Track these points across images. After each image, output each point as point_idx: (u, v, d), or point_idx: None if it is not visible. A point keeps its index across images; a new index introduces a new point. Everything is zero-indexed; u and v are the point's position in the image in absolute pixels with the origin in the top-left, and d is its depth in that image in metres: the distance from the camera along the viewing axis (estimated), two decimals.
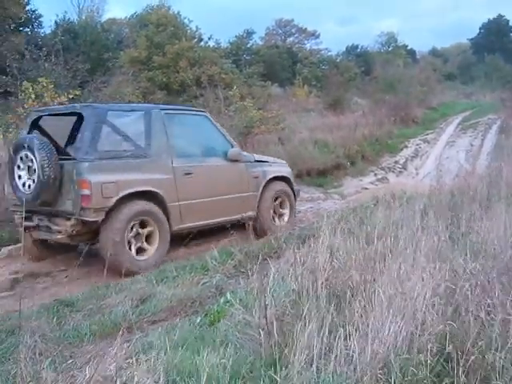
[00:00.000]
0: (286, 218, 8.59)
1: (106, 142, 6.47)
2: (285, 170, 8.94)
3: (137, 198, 6.53)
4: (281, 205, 8.58)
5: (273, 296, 4.18)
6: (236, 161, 7.89)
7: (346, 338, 3.37)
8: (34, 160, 6.16)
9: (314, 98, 27.12)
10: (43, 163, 6.09)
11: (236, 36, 38.24)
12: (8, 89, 12.66)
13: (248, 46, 38.30)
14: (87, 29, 23.43)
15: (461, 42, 63.00)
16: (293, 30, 48.80)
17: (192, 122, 7.78)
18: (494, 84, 32.76)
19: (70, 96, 8.83)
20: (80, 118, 6.62)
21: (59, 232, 6.38)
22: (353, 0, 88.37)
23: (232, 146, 7.94)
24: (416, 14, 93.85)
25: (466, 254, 4.65)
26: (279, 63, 34.87)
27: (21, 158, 6.39)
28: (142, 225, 6.60)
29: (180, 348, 3.79)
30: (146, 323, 4.65)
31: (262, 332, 3.65)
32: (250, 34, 41.64)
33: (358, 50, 48.86)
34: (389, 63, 34.95)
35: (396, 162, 17.20)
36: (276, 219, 8.44)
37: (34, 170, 6.20)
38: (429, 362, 3.01)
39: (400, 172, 16.49)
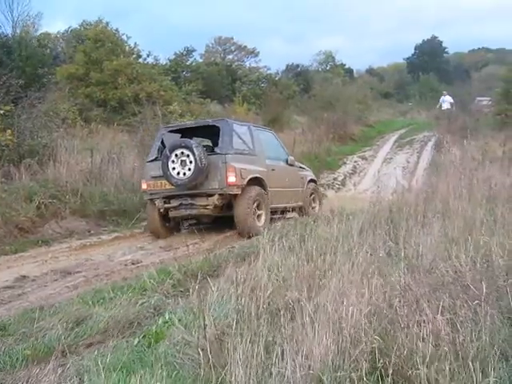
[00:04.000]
0: (316, 208, 11.66)
1: (236, 143, 9.47)
2: (312, 174, 12.43)
3: (253, 182, 9.37)
4: (313, 199, 11.69)
5: (212, 316, 4.11)
6: (292, 165, 11.01)
7: (282, 357, 3.36)
8: (191, 154, 8.82)
9: (253, 115, 27.22)
10: (201, 155, 8.78)
11: (175, 53, 38.08)
12: None
13: (188, 63, 38.15)
14: (22, 43, 22.80)
15: (397, 62, 64.73)
16: (232, 48, 48.91)
17: (267, 136, 10.89)
18: (428, 102, 33.60)
19: (1, 111, 8.56)
20: (215, 128, 9.45)
21: (205, 206, 9.13)
22: (302, 18, 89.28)
23: (288, 155, 11.12)
24: (361, 33, 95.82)
25: (402, 270, 4.72)
26: (218, 80, 34.83)
27: (176, 155, 8.96)
28: (254, 202, 9.28)
29: (116, 371, 3.69)
30: (81, 346, 4.48)
31: (201, 352, 3.58)
32: (190, 51, 41.46)
33: (298, 68, 49.33)
34: (327, 81, 35.52)
35: (335, 179, 17.45)
36: (311, 208, 11.35)
37: (190, 162, 8.84)
38: (362, 378, 3.02)
39: (339, 188, 16.72)
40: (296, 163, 11.36)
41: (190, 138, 9.48)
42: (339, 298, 3.94)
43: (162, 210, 9.43)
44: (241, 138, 9.69)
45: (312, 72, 46.20)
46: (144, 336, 4.52)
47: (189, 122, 10.78)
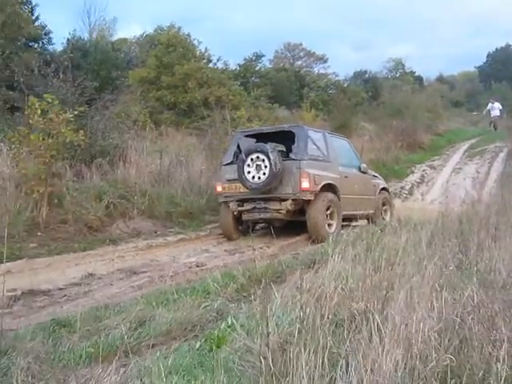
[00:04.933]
0: (387, 217, 11.52)
1: (311, 149, 9.55)
2: (384, 182, 12.51)
3: (327, 189, 9.38)
4: (384, 207, 11.66)
5: (276, 323, 4.03)
6: (365, 173, 11.06)
7: (346, 370, 3.24)
8: (266, 159, 8.99)
9: (321, 122, 27.01)
10: (276, 161, 8.94)
11: (245, 58, 38.28)
12: (15, 104, 12.68)
13: (257, 68, 38.28)
14: (98, 47, 23.45)
15: (468, 70, 63.14)
16: (301, 54, 48.73)
17: (341, 143, 10.95)
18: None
19: (75, 112, 8.79)
20: (291, 133, 9.59)
21: (279, 210, 9.28)
22: (371, 25, 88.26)
23: (361, 162, 11.19)
24: (431, 41, 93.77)
25: (474, 285, 4.52)
26: (287, 86, 34.75)
27: (251, 159, 9.15)
28: (327, 208, 9.34)
29: (177, 374, 3.66)
30: (143, 347, 4.48)
31: (263, 360, 3.51)
32: (259, 56, 41.59)
33: (366, 75, 48.73)
34: (396, 89, 34.93)
35: (402, 188, 17.10)
36: (381, 217, 11.23)
37: (265, 167, 9.01)
38: None
39: (406, 197, 16.37)
40: (369, 171, 11.44)
41: (265, 143, 9.70)
42: (408, 312, 3.79)
43: (235, 213, 9.65)
44: (315, 145, 9.82)
45: (381, 79, 45.52)
46: (206, 340, 4.49)
47: (265, 127, 11.01)
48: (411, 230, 7.70)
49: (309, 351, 3.38)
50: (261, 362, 3.49)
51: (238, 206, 9.62)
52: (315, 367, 3.27)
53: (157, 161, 11.68)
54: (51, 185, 8.27)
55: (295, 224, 9.59)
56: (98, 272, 7.11)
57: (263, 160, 9.06)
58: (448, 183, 17.74)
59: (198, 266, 7.43)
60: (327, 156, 9.97)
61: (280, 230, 9.84)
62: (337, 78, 41.69)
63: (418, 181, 18.28)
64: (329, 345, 3.44)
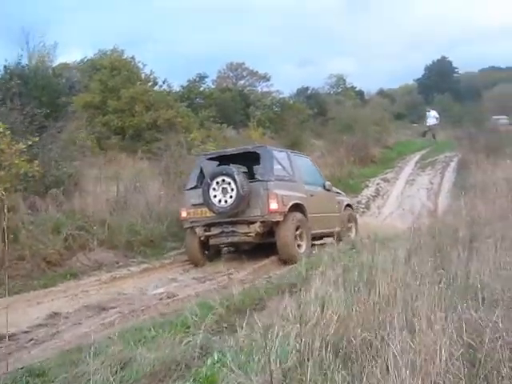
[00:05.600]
0: (353, 232, 11.58)
1: (277, 170, 9.40)
2: (348, 199, 12.68)
3: (295, 208, 9.24)
4: (349, 222, 11.57)
5: (272, 358, 3.74)
6: (329, 190, 11.03)
7: None
8: (232, 182, 8.82)
9: (269, 140, 26.95)
10: (242, 183, 8.78)
11: (188, 80, 38.00)
12: None
13: (200, 89, 38.05)
14: (38, 73, 22.75)
15: (407, 83, 64.65)
16: (244, 73, 48.80)
17: (304, 162, 10.95)
18: (443, 123, 33.28)
19: (29, 142, 8.35)
20: (254, 154, 9.50)
21: (247, 233, 9.05)
22: (312, 42, 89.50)
23: (324, 180, 11.20)
24: (372, 55, 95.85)
25: (467, 301, 4.38)
26: (232, 106, 34.58)
27: (217, 183, 8.96)
28: (297, 228, 9.16)
29: None
30: None
31: None
32: (202, 77, 41.38)
33: (309, 91, 49.16)
34: (340, 104, 35.30)
35: (359, 202, 17.08)
36: (347, 234, 11.08)
37: (231, 190, 8.82)
38: None
39: (363, 212, 16.37)
40: (333, 188, 11.43)
41: (228, 165, 9.59)
42: (415, 337, 3.58)
43: (202, 238, 9.41)
44: (281, 165, 9.72)
45: (323, 95, 45.99)
46: (195, 380, 4.18)
47: (228, 150, 10.69)
48: (384, 247, 7.59)
49: None
50: None
51: (205, 230, 9.38)
52: None
53: (111, 188, 11.25)
54: (6, 219, 7.76)
55: (263, 246, 9.36)
56: (63, 310, 6.69)
57: (229, 183, 8.89)
58: (403, 195, 17.91)
59: (168, 297, 7.08)
60: (293, 175, 9.90)
61: (248, 252, 9.60)
62: (281, 96, 41.95)
63: (374, 194, 18.33)
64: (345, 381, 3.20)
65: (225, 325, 5.53)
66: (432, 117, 29.62)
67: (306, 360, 3.70)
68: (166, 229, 10.64)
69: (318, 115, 34.96)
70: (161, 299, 7.05)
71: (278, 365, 3.63)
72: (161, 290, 7.62)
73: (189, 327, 5.42)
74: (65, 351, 5.08)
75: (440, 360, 3.18)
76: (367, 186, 19.36)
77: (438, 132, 30.12)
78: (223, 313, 5.74)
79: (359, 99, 47.15)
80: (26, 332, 5.93)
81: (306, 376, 3.43)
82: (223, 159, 10.05)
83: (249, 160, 10.40)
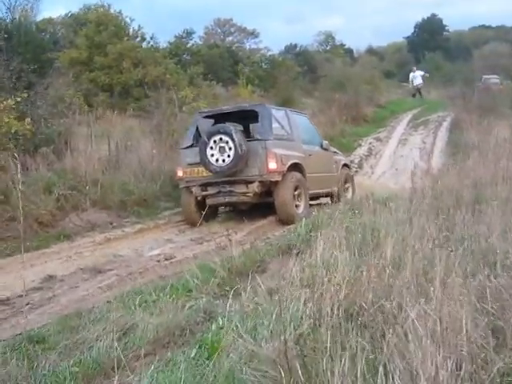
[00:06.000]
0: (350, 192, 11.42)
1: (275, 129, 9.19)
2: (345, 158, 12.49)
3: (293, 168, 9.07)
4: (346, 182, 11.38)
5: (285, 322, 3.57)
6: (326, 150, 10.81)
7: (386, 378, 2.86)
8: (230, 141, 8.59)
9: (258, 98, 26.57)
10: (240, 142, 8.57)
11: (175, 36, 37.29)
12: None
13: (188, 45, 37.34)
14: (21, 28, 22.08)
15: (396, 41, 63.82)
16: (232, 30, 48.03)
17: (302, 120, 10.69)
18: (435, 82, 33.01)
19: (18, 99, 8.03)
20: (252, 112, 9.29)
21: (245, 193, 8.91)
22: None
23: (322, 139, 10.93)
24: (361, 12, 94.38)
25: (481, 266, 4.25)
26: (219, 63, 34.01)
27: (214, 141, 8.72)
28: (295, 188, 9.03)
29: None
30: (132, 360, 3.99)
31: (282, 372, 3.08)
32: (189, 33, 40.68)
33: (297, 49, 48.49)
34: (329, 62, 34.84)
35: (351, 162, 16.84)
36: (345, 193, 11.02)
37: (229, 149, 8.61)
38: None
39: (356, 171, 16.20)
40: (330, 148, 11.17)
41: (223, 123, 9.27)
42: (433, 302, 3.44)
43: (199, 198, 9.22)
44: (279, 123, 9.50)
45: (312, 52, 45.38)
46: (200, 346, 4.04)
47: (224, 107, 10.35)
48: (383, 207, 7.45)
49: (340, 357, 2.97)
50: (280, 374, 3.08)
51: (202, 190, 9.20)
52: (355, 377, 2.87)
53: (104, 146, 10.96)
54: None
55: (260, 206, 9.19)
56: (58, 273, 6.51)
57: (227, 142, 8.67)
58: (395, 155, 17.76)
59: (166, 259, 6.93)
60: (291, 134, 9.69)
61: (245, 212, 9.43)
62: (270, 53, 41.34)
63: (366, 154, 18.18)
64: (364, 349, 3.05)
65: (227, 288, 5.38)
66: (418, 76, 29.50)
67: (319, 326, 3.56)
68: (160, 188, 10.42)
69: (307, 73, 34.53)
70: (158, 261, 6.89)
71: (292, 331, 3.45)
72: (157, 252, 7.46)
73: (190, 291, 5.29)
74: (63, 316, 4.91)
75: (465, 330, 3.03)
76: (360, 145, 19.19)
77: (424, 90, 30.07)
78: (225, 276, 5.59)
79: (348, 57, 46.61)
80: (21, 296, 5.73)
81: (321, 343, 3.28)
82: (219, 117, 9.78)
83: (246, 118, 10.20)
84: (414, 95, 30.10)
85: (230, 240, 6.98)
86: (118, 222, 9.16)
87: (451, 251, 4.71)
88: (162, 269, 6.52)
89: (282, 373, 3.05)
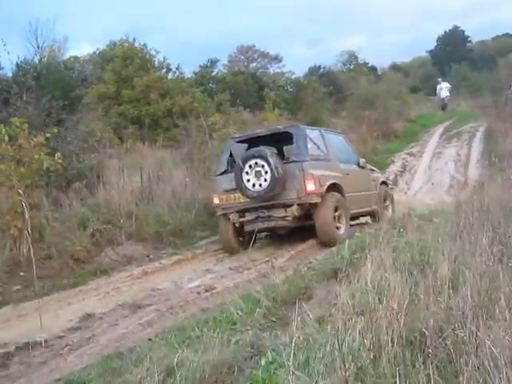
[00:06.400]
0: (390, 210, 11.09)
1: (311, 149, 9.00)
2: (382, 176, 12.42)
3: (332, 189, 8.82)
4: (385, 200, 11.06)
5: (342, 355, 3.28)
6: (364, 168, 10.56)
7: None
8: (266, 164, 8.41)
9: (286, 121, 26.44)
10: (276, 165, 8.37)
11: (200, 65, 37.55)
12: None
13: (213, 74, 37.60)
14: (50, 68, 22.42)
15: (420, 56, 63.42)
16: (255, 56, 48.22)
17: (338, 140, 10.47)
18: (463, 93, 32.50)
19: (48, 135, 7.95)
20: (286, 134, 9.13)
21: (284, 217, 8.63)
22: (321, 20, 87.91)
23: (359, 157, 10.64)
24: (381, 30, 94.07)
25: None
26: (245, 89, 34.14)
27: (249, 166, 8.55)
28: (335, 209, 8.74)
29: None
30: None
31: None
32: (213, 62, 41.02)
33: (321, 70, 48.49)
34: (354, 80, 34.62)
35: (386, 179, 16.55)
36: (384, 211, 10.69)
37: (265, 172, 8.42)
38: None
39: (391, 188, 15.84)
40: (367, 165, 10.94)
41: (258, 147, 9.04)
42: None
43: (237, 225, 9.02)
44: (315, 144, 9.30)
45: (336, 72, 45.30)
46: None
47: (258, 131, 10.15)
48: (428, 223, 7.14)
49: None
50: None
51: (240, 217, 8.97)
52: None
53: (136, 178, 10.84)
54: (30, 217, 7.35)
55: (299, 230, 8.94)
56: (96, 310, 6.31)
57: (263, 166, 8.48)
58: (430, 169, 17.38)
59: (207, 291, 6.68)
60: (327, 154, 9.45)
61: (283, 237, 9.19)
62: (294, 76, 41.36)
63: (401, 170, 17.83)
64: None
65: (273, 318, 5.11)
66: (445, 88, 29.04)
67: (378, 357, 3.27)
68: (194, 217, 10.23)
69: (333, 93, 34.34)
70: (198, 293, 6.65)
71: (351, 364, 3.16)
72: (197, 283, 7.22)
73: (235, 323, 5.01)
74: (104, 357, 4.68)
75: None
76: (393, 162, 18.85)
77: (451, 103, 29.62)
78: (270, 305, 5.31)
79: (372, 75, 46.37)
80: (60, 337, 5.55)
81: (383, 377, 2.99)
82: (253, 141, 9.58)
83: (280, 141, 10.01)
84: (443, 108, 29.61)
85: (273, 267, 6.75)
86: (155, 254, 8.98)
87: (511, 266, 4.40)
88: (202, 301, 6.28)
89: None
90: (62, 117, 10.55)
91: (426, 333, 3.53)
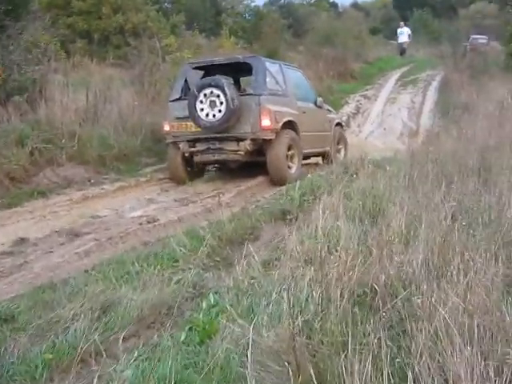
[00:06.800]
0: (342, 152, 10.91)
1: (270, 83, 8.68)
2: (338, 117, 12.34)
3: (287, 126, 8.55)
4: (338, 142, 10.84)
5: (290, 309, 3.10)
6: (320, 107, 10.23)
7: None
8: (222, 95, 8.05)
9: (242, 50, 25.78)
10: (232, 96, 8.03)
11: None
12: None
13: None
14: None
15: None
16: None
17: (297, 75, 10.11)
18: (422, 40, 32.31)
19: None
20: (245, 65, 8.78)
21: (236, 151, 8.36)
22: None
23: (316, 96, 10.34)
24: None
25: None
26: (202, 13, 33.09)
27: (204, 95, 8.16)
28: (289, 148, 8.55)
29: None
30: (113, 343, 3.50)
31: (290, 368, 2.64)
32: None
33: (282, 1, 47.36)
34: (314, 15, 33.99)
35: (341, 120, 16.42)
36: (337, 153, 10.46)
37: (220, 103, 8.06)
38: None
39: (344, 130, 15.74)
40: (324, 105, 10.59)
41: (214, 76, 8.63)
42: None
43: (186, 154, 8.69)
44: (274, 78, 8.94)
45: (296, 5, 44.44)
46: (190, 328, 3.58)
47: (216, 59, 9.63)
48: (380, 171, 7.01)
49: (359, 355, 2.53)
50: (287, 369, 2.64)
51: (190, 146, 8.63)
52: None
53: (81, 97, 10.23)
54: None
55: (249, 165, 8.71)
56: (30, 235, 5.98)
57: (218, 95, 8.11)
58: (384, 114, 17.29)
59: (149, 222, 6.40)
60: (285, 90, 9.13)
61: (232, 172, 8.97)
62: (253, 4, 40.30)
63: (354, 112, 17.66)
64: (389, 352, 2.60)
65: (217, 258, 4.95)
66: (406, 33, 28.70)
67: (327, 312, 3.11)
68: (141, 143, 9.81)
69: (292, 26, 33.64)
70: (140, 224, 6.37)
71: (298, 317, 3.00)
72: (139, 213, 6.93)
73: (177, 261, 4.81)
74: (36, 287, 4.41)
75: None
76: (347, 103, 18.65)
77: (410, 48, 29.41)
78: (214, 244, 5.12)
79: (333, 11, 45.67)
80: None
81: (331, 334, 2.84)
82: (210, 69, 9.17)
83: (237, 71, 9.64)
84: (401, 53, 29.35)
85: (220, 203, 6.53)
86: (97, 178, 8.58)
87: (464, 225, 4.30)
88: (144, 233, 6.02)
89: (290, 371, 2.61)
90: (4, 23, 9.72)
91: (378, 289, 3.42)
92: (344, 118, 16.42)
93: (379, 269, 3.64)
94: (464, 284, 3.11)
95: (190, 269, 4.58)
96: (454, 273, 3.41)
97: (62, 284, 4.39)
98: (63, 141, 8.43)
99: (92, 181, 8.41)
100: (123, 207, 7.26)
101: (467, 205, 5.03)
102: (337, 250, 3.91)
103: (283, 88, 9.11)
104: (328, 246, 4.11)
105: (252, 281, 4.07)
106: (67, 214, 6.90)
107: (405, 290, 3.54)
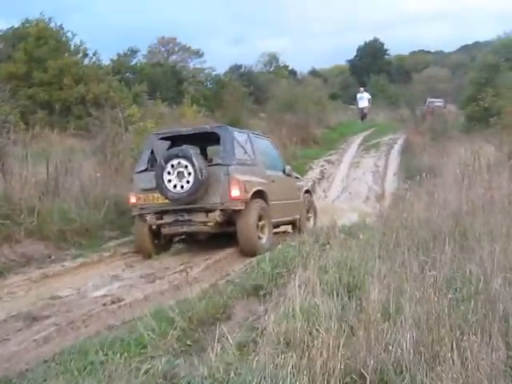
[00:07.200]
0: (312, 220, 10.77)
1: (238, 153, 8.57)
2: (307, 184, 12.48)
3: (257, 196, 8.44)
4: (308, 210, 10.71)
5: None
6: (289, 175, 10.24)
7: None
8: (190, 165, 7.91)
9: (204, 118, 25.90)
10: (201, 167, 7.89)
11: (118, 54, 36.41)
12: None
13: (131, 64, 36.56)
14: None
15: (339, 64, 64.65)
16: (176, 48, 47.58)
17: (265, 144, 10.04)
18: (381, 104, 33.12)
19: None
20: (213, 135, 8.67)
21: (205, 223, 8.16)
22: (245, 19, 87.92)
23: (285, 164, 10.38)
24: (302, 35, 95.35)
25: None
26: (163, 82, 33.43)
27: (172, 166, 8.02)
28: (259, 218, 8.39)
29: None
30: None
31: None
32: (133, 51, 39.97)
33: (242, 69, 48.31)
34: (274, 82, 34.59)
35: (310, 188, 16.40)
36: (306, 221, 10.36)
37: (188, 174, 7.91)
38: None
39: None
40: (293, 173, 10.55)
41: (181, 146, 8.61)
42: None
43: (153, 227, 8.43)
44: (242, 147, 8.86)
45: (256, 73, 45.37)
46: None
47: (183, 129, 9.52)
48: (353, 240, 6.84)
49: None
50: None
51: (157, 219, 8.39)
52: None
53: (41, 169, 9.92)
54: None
55: (217, 236, 8.47)
56: None
57: (186, 166, 7.97)
58: (348, 178, 17.37)
59: (113, 302, 6.01)
60: (254, 159, 9.06)
61: (200, 243, 8.70)
62: (214, 73, 40.98)
63: (319, 177, 17.69)
64: None
65: (189, 342, 4.60)
66: (365, 98, 29.12)
67: None
68: (104, 216, 9.48)
69: (252, 94, 34.13)
70: (104, 304, 5.98)
71: None
72: (103, 292, 6.54)
73: (145, 347, 4.43)
74: None
75: None
76: (311, 168, 18.71)
77: (370, 113, 29.80)
78: (185, 326, 4.78)
79: (292, 78, 46.63)
80: None
81: None
82: (176, 139, 9.09)
83: (204, 141, 9.55)
84: (362, 118, 29.73)
85: (187, 278, 6.23)
86: (57, 254, 8.16)
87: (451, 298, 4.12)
88: (109, 315, 5.63)
89: None
90: None
91: (367, 376, 3.19)
92: (310, 184, 16.43)
93: (366, 352, 3.41)
94: (460, 367, 2.91)
95: (159, 355, 4.21)
96: (449, 355, 3.21)
97: (18, 379, 3.99)
98: (22, 216, 8.06)
99: (52, 257, 8.00)
100: (86, 286, 6.86)
101: (448, 274, 4.89)
102: (318, 330, 3.68)
103: (252, 157, 9.03)
104: (308, 326, 3.87)
105: (228, 367, 3.75)
106: (25, 295, 6.47)
107: (395, 375, 3.32)
